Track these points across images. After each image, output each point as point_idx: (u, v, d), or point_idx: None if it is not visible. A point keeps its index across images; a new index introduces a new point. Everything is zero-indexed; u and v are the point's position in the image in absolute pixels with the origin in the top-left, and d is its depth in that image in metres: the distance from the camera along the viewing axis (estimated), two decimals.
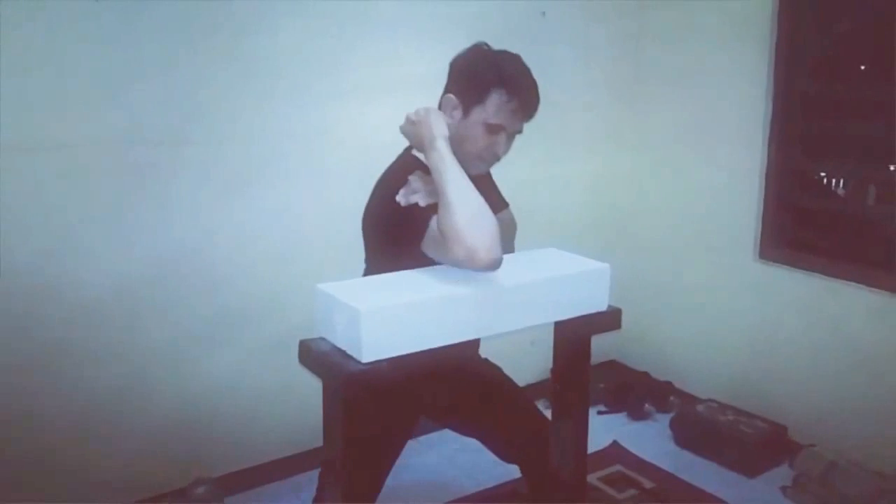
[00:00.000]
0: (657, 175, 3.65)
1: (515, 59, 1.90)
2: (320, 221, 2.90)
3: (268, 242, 2.83)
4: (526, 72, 1.88)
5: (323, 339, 1.52)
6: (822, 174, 3.28)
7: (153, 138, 2.57)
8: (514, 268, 1.65)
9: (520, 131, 1.91)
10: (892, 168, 3.00)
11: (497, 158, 1.91)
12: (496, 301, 1.59)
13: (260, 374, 2.88)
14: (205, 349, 2.77)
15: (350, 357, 1.44)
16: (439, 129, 1.75)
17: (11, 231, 2.37)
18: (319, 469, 1.98)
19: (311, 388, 1.65)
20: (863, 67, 3.09)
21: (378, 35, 2.92)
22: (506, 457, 2.22)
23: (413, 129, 1.84)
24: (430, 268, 1.69)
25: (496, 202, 1.99)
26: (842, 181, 3.24)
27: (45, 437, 2.51)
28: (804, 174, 3.27)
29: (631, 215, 3.76)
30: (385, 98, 2.91)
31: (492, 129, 1.85)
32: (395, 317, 1.45)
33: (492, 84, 1.82)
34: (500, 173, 2.11)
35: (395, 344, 1.45)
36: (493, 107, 1.83)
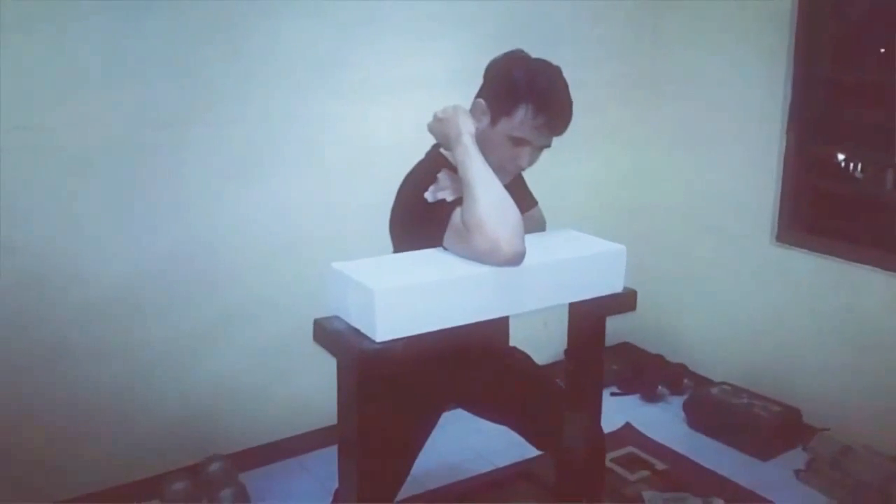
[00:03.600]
0: (675, 159, 3.62)
1: (551, 72, 1.83)
2: (322, 219, 2.91)
3: (269, 240, 2.84)
4: (559, 88, 1.82)
5: (337, 317, 1.52)
6: (841, 158, 3.24)
7: (155, 137, 2.57)
8: (531, 248, 1.65)
9: (548, 145, 1.87)
10: None
11: (520, 170, 1.88)
12: (511, 282, 1.59)
13: (271, 358, 2.90)
14: (211, 344, 2.79)
15: (364, 336, 1.44)
16: (466, 125, 1.76)
17: (13, 229, 2.38)
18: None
19: (322, 367, 1.66)
20: (882, 51, 3.04)
21: (380, 35, 2.91)
22: (539, 444, 2.21)
23: (440, 126, 1.82)
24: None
25: (525, 200, 1.98)
26: (860, 165, 3.21)
27: (47, 433, 2.54)
28: (822, 158, 3.24)
29: (648, 198, 3.73)
30: (387, 98, 2.93)
31: (516, 142, 1.81)
32: (409, 296, 1.45)
33: (521, 98, 1.77)
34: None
35: (410, 324, 1.45)
36: (520, 121, 1.78)
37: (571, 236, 1.84)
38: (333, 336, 1.47)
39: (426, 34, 2.99)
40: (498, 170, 1.78)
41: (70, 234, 2.49)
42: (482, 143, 1.77)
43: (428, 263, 1.59)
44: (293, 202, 2.85)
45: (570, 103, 1.83)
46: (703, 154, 3.49)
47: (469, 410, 2.19)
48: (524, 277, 1.60)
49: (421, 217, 1.77)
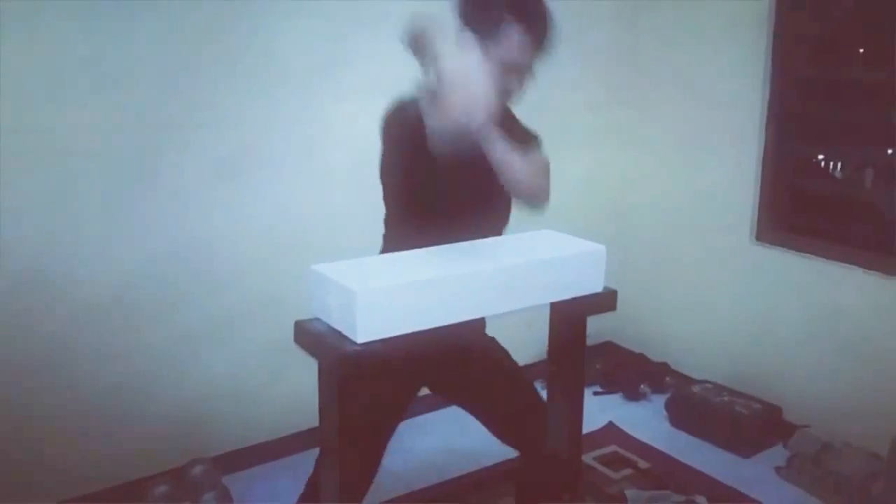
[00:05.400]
0: (655, 160, 3.64)
1: None
2: (322, 219, 2.91)
3: (269, 240, 2.84)
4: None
5: (318, 319, 1.52)
6: (820, 157, 3.27)
7: (155, 138, 2.57)
8: (510, 249, 1.65)
9: (532, 75, 1.85)
10: (889, 152, 3.00)
11: (509, 96, 1.87)
12: (492, 282, 1.59)
13: (256, 361, 2.90)
14: (205, 343, 2.80)
15: (345, 337, 1.44)
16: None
17: (12, 230, 2.38)
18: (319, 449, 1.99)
19: (307, 369, 1.66)
20: (861, 51, 3.08)
21: (380, 35, 2.90)
22: (501, 435, 2.22)
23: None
24: (427, 249, 1.69)
25: (527, 137, 1.97)
26: (839, 164, 3.24)
27: (46, 432, 2.54)
28: (802, 158, 3.27)
29: (629, 198, 3.75)
30: (386, 98, 2.91)
31: (507, 69, 1.79)
32: (390, 297, 1.44)
33: (504, 17, 1.76)
34: None
35: (391, 324, 1.44)
36: (507, 42, 1.76)
37: (551, 237, 1.85)
38: (314, 338, 1.47)
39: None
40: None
41: (69, 234, 2.49)
42: None
43: (409, 264, 1.59)
44: (293, 202, 2.86)
45: (550, 14, 1.82)
46: (684, 154, 3.51)
47: (439, 395, 2.20)
48: (505, 278, 1.61)
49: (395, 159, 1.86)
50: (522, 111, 3.22)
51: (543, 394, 1.99)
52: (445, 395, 2.23)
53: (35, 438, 2.52)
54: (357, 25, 2.85)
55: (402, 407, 2.09)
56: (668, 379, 3.58)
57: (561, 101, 3.44)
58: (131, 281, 2.62)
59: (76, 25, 2.38)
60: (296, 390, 2.88)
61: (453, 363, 2.06)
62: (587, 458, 2.96)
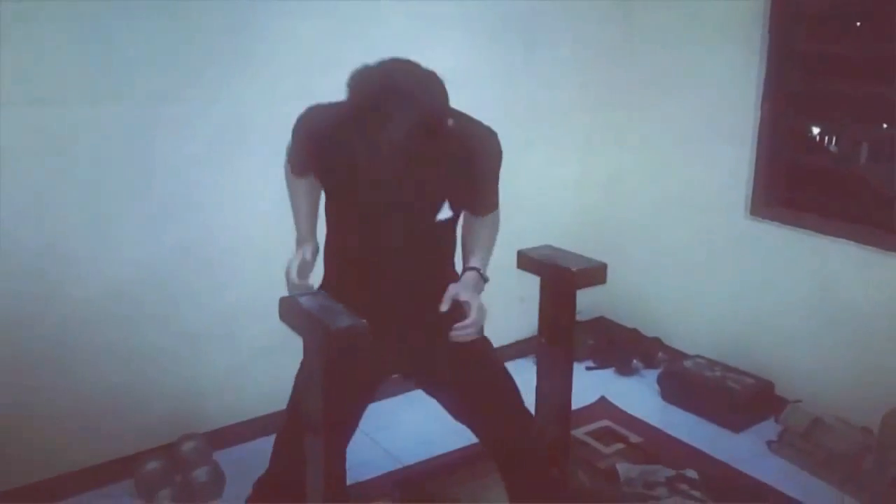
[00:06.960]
0: (650, 134, 3.61)
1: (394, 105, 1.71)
2: (321, 217, 2.90)
3: (269, 237, 2.81)
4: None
5: (304, 295, 1.51)
6: (816, 132, 3.25)
7: (154, 136, 2.57)
8: None
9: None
10: (885, 126, 2.98)
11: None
12: None
13: (248, 338, 2.90)
14: (203, 335, 2.81)
15: (332, 315, 1.43)
16: None
17: (13, 229, 2.37)
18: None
19: (298, 344, 1.65)
20: (858, 24, 3.04)
21: (380, 35, 2.88)
22: (456, 415, 2.19)
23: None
24: None
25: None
26: (835, 139, 3.21)
27: (45, 428, 2.54)
28: (797, 132, 3.24)
29: (624, 175, 3.72)
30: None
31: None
32: None
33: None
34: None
35: None
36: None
37: None
38: (300, 315, 1.46)
39: (425, 35, 2.97)
40: None
41: (69, 235, 2.48)
42: None
43: None
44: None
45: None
46: (678, 129, 3.48)
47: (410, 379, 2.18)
48: None
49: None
50: (522, 108, 3.28)
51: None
52: (416, 381, 2.19)
53: (34, 439, 2.52)
54: (357, 25, 2.83)
55: (374, 388, 2.07)
56: (660, 354, 3.58)
57: (560, 78, 3.42)
58: (131, 283, 2.62)
59: (77, 23, 2.36)
60: (288, 366, 2.88)
61: (430, 350, 2.00)
62: (579, 432, 2.97)
